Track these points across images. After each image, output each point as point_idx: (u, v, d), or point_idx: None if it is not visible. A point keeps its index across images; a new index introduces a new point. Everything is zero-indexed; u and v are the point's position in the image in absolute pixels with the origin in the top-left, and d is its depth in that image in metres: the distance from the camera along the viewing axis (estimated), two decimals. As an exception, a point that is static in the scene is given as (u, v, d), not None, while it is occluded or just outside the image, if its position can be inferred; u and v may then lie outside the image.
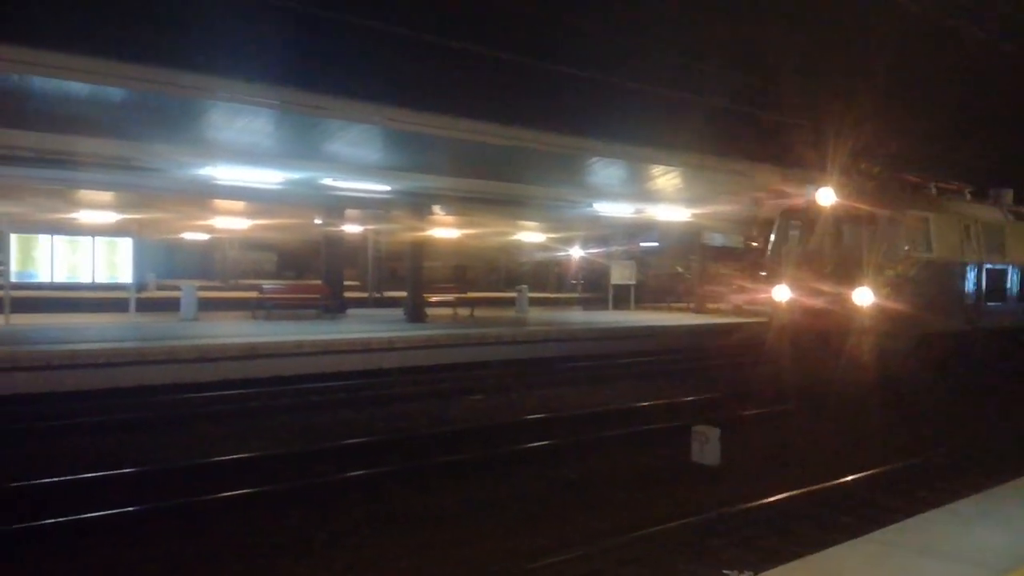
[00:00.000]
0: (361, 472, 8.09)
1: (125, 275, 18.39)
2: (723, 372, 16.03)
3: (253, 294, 22.91)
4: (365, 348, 15.38)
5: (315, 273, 29.61)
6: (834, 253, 13.21)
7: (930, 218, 13.07)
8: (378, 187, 19.24)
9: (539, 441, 9.66)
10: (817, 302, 12.75)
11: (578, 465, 8.78)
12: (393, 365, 15.22)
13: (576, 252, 31.94)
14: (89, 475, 7.78)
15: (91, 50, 13.09)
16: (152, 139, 14.93)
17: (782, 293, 13.42)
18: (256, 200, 23.23)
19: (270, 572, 5.69)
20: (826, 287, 12.64)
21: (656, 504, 7.35)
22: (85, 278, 18.19)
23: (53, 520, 6.45)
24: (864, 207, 12.82)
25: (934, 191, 14.30)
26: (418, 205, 21.21)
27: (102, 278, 18.29)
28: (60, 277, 17.96)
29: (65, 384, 11.97)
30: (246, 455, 8.73)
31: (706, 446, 8.71)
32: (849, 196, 12.96)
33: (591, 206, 23.05)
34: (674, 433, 9.91)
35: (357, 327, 18.17)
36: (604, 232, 30.10)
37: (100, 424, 10.36)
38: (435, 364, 15.68)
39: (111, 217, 23.60)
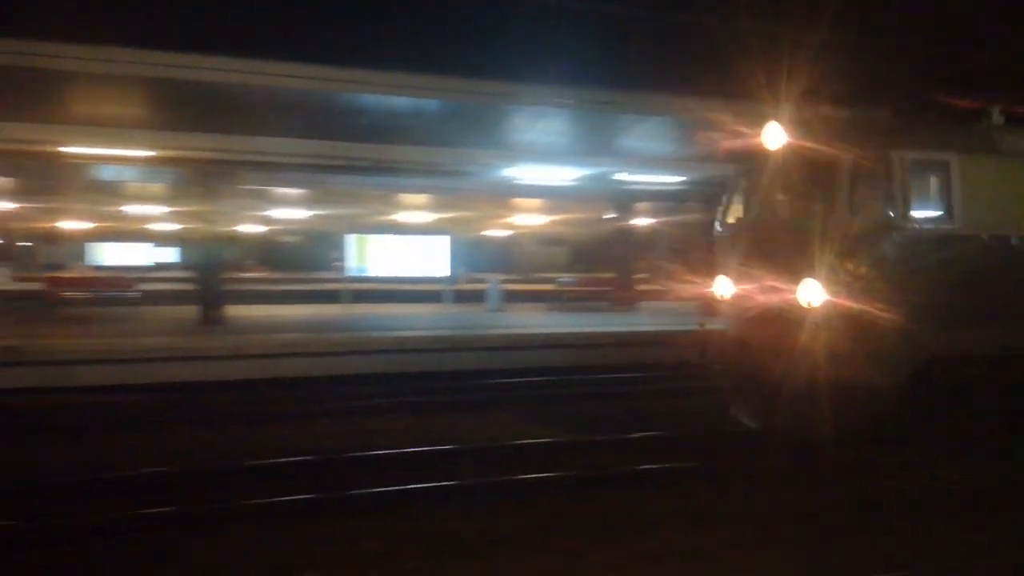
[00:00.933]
0: (658, 466, 8.07)
1: (442, 270, 20.24)
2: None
3: (549, 287, 23.97)
4: (657, 341, 15.38)
5: (605, 266, 30.24)
6: (781, 225, 8.82)
7: (951, 163, 8.00)
8: (671, 178, 19.14)
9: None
10: (762, 300, 8.47)
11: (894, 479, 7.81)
12: (686, 359, 15.01)
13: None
14: (413, 449, 8.66)
15: (410, 67, 14.58)
16: (463, 144, 16.26)
17: (723, 287, 9.21)
18: (551, 197, 24.31)
19: (578, 553, 5.89)
20: (770, 277, 8.32)
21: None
22: (407, 273, 20.32)
23: (384, 489, 7.21)
24: (821, 147, 8.09)
25: (997, 118, 9.09)
26: (712, 195, 20.74)
27: (421, 272, 20.30)
28: (387, 272, 20.22)
29: (393, 367, 13.45)
30: (547, 440, 9.15)
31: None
32: (804, 132, 8.33)
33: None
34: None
35: (648, 320, 18.24)
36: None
37: (422, 404, 11.46)
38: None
39: (428, 217, 26.11)
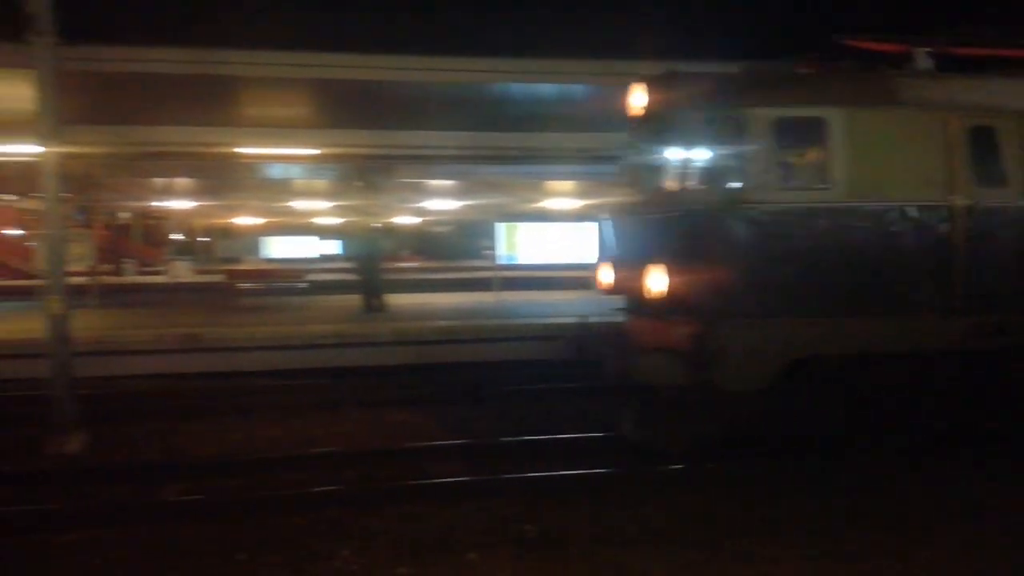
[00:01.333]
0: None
1: (591, 256, 20.18)
2: None
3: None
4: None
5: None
6: (642, 203, 7.80)
7: (830, 119, 6.65)
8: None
9: None
10: (625, 290, 7.82)
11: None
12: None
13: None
14: (566, 435, 8.69)
15: (555, 53, 14.59)
16: (609, 129, 16.09)
17: (606, 274, 8.28)
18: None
19: (744, 551, 5.70)
20: (630, 264, 7.43)
21: None
22: (555, 260, 20.43)
23: (540, 474, 7.27)
24: (674, 110, 7.14)
25: (923, 62, 7.46)
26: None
27: (570, 259, 20.34)
28: (536, 259, 20.41)
29: (543, 354, 13.52)
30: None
31: None
32: (666, 94, 7.21)
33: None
34: None
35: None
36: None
37: (569, 390, 11.31)
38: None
39: (574, 204, 26.12)
